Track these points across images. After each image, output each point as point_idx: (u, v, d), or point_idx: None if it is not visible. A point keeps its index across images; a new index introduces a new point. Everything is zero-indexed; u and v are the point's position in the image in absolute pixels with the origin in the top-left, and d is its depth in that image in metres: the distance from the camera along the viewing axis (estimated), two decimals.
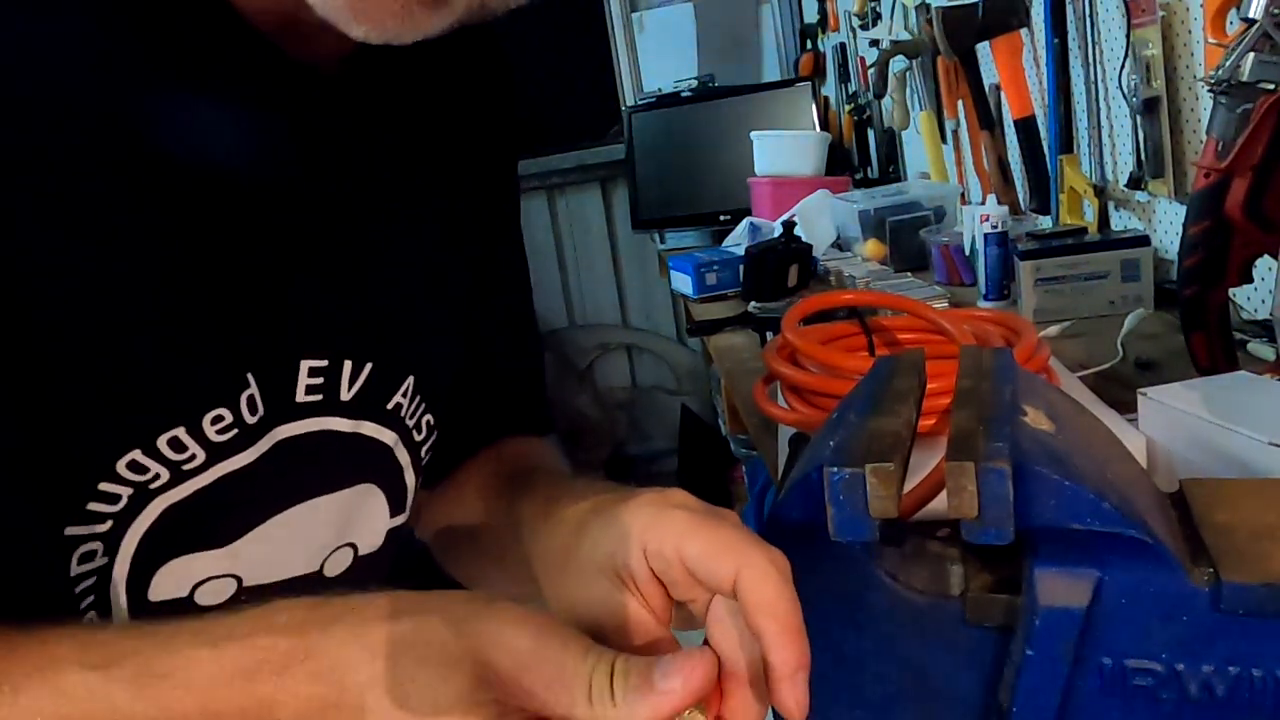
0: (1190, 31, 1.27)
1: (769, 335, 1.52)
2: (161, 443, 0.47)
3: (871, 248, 1.88)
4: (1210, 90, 0.88)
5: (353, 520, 0.58)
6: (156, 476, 0.48)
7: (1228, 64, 0.86)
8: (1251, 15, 0.84)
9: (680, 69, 3.39)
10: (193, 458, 0.49)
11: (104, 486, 0.47)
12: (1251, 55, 0.84)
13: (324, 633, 0.38)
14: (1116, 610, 0.38)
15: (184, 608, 0.51)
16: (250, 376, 0.50)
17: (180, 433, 0.48)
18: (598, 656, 0.37)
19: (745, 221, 2.21)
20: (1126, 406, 0.75)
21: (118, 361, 0.46)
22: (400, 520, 0.62)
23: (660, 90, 3.30)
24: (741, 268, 1.85)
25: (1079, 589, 0.38)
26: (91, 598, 0.49)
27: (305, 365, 0.52)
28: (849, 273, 1.74)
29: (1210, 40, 1.05)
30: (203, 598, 0.52)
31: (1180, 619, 0.38)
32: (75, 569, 0.47)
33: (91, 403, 0.45)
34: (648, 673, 0.36)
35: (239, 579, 0.53)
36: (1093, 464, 0.39)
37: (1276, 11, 0.83)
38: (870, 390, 0.45)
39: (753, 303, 1.72)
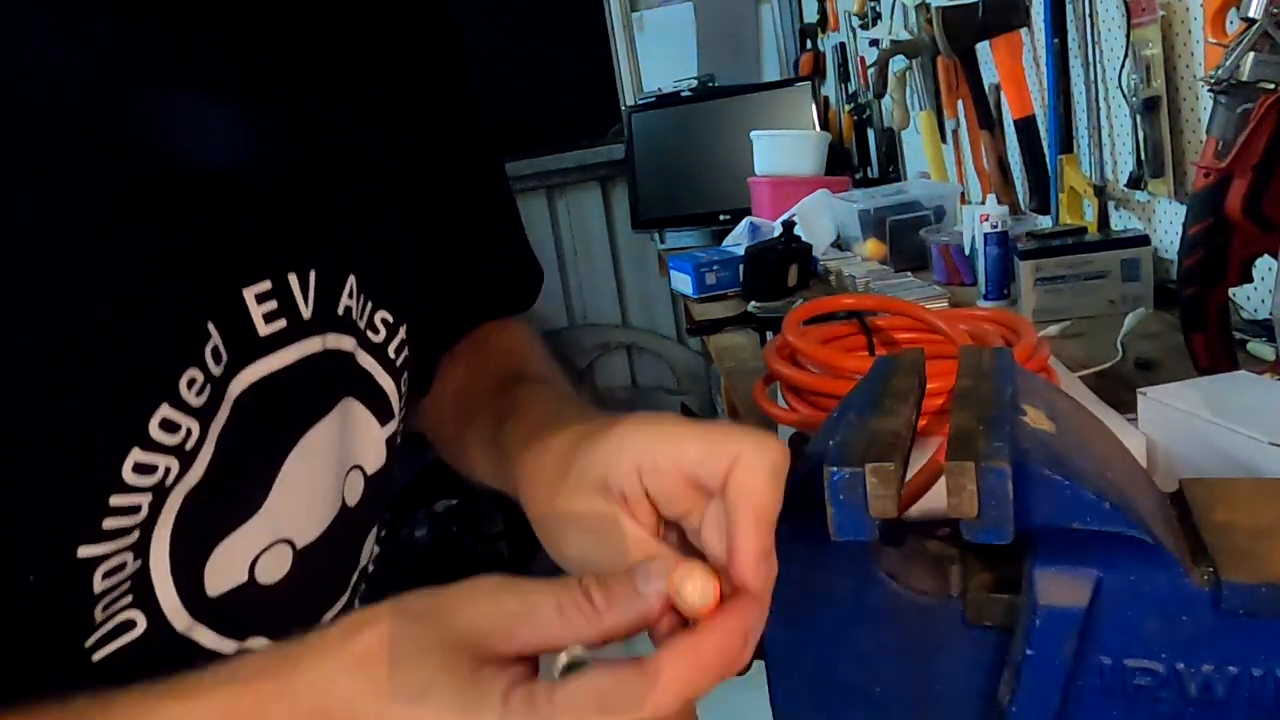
0: (1190, 31, 1.27)
1: (769, 335, 1.52)
2: (154, 429, 0.44)
3: (871, 247, 1.88)
4: (1210, 90, 0.88)
5: (349, 440, 0.55)
6: (167, 470, 0.45)
7: (1228, 63, 0.86)
8: (1251, 14, 0.84)
9: (680, 69, 3.39)
10: (188, 434, 0.45)
11: (116, 500, 0.43)
12: (1251, 55, 0.84)
13: (295, 668, 0.37)
14: (1116, 610, 0.38)
15: (250, 596, 0.50)
16: (210, 326, 0.46)
17: (166, 411, 0.44)
18: (560, 584, 0.36)
19: (745, 221, 2.22)
20: (1126, 406, 0.75)
21: (81, 362, 0.42)
22: (391, 428, 0.59)
23: (660, 90, 3.30)
24: (741, 267, 1.85)
25: (1079, 589, 0.38)
26: (127, 600, 0.46)
27: (250, 294, 0.48)
28: (849, 272, 1.74)
29: (1210, 40, 1.05)
30: (263, 575, 0.50)
31: (1180, 619, 0.38)
32: (100, 584, 0.44)
33: (66, 415, 0.42)
34: (628, 579, 0.35)
35: (290, 543, 0.52)
36: (1093, 464, 0.39)
37: (1276, 11, 0.83)
38: (870, 390, 0.45)
39: (753, 302, 1.72)
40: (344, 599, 0.58)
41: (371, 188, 0.57)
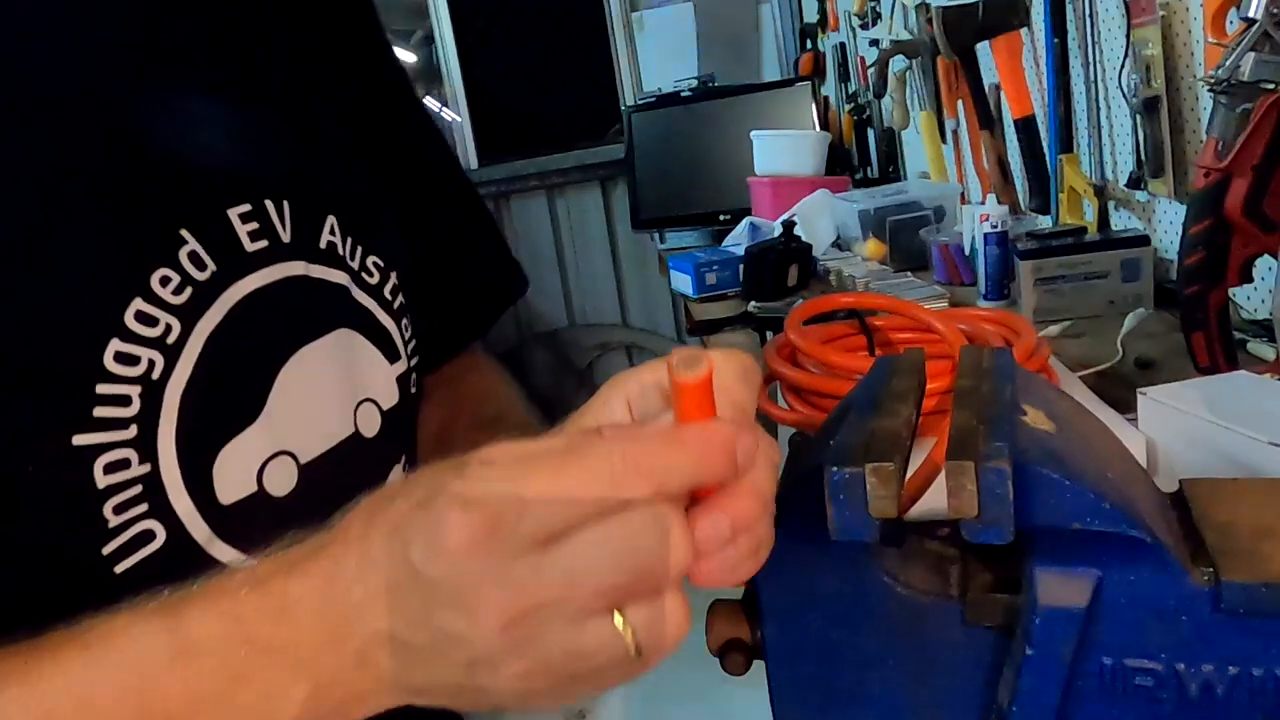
0: (1190, 31, 1.27)
1: (769, 335, 1.52)
2: (130, 320, 0.47)
3: (871, 247, 1.88)
4: (1210, 90, 0.88)
5: (354, 370, 0.58)
6: (151, 363, 0.48)
7: (1228, 63, 0.86)
8: (1251, 15, 0.84)
9: (680, 69, 3.39)
10: (168, 329, 0.48)
11: (104, 389, 0.46)
12: (1251, 55, 0.84)
13: (288, 576, 0.37)
14: (1116, 610, 0.38)
15: (263, 508, 0.51)
16: (184, 233, 0.49)
17: (140, 304, 0.47)
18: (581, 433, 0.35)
19: (745, 221, 2.22)
20: (1126, 406, 0.75)
21: (56, 252, 0.45)
22: (402, 367, 0.62)
23: (660, 90, 3.30)
24: (741, 267, 1.85)
25: (1079, 588, 0.38)
26: (142, 508, 0.48)
27: (233, 213, 0.52)
28: (849, 272, 1.74)
29: (1210, 40, 1.05)
30: (272, 485, 0.52)
31: (1180, 619, 0.38)
32: (104, 479, 0.46)
33: (44, 300, 0.45)
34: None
35: (293, 456, 0.53)
36: (1093, 463, 0.39)
37: (1276, 11, 0.83)
38: (870, 390, 0.45)
39: (752, 302, 1.72)
40: None
41: (344, 149, 0.61)
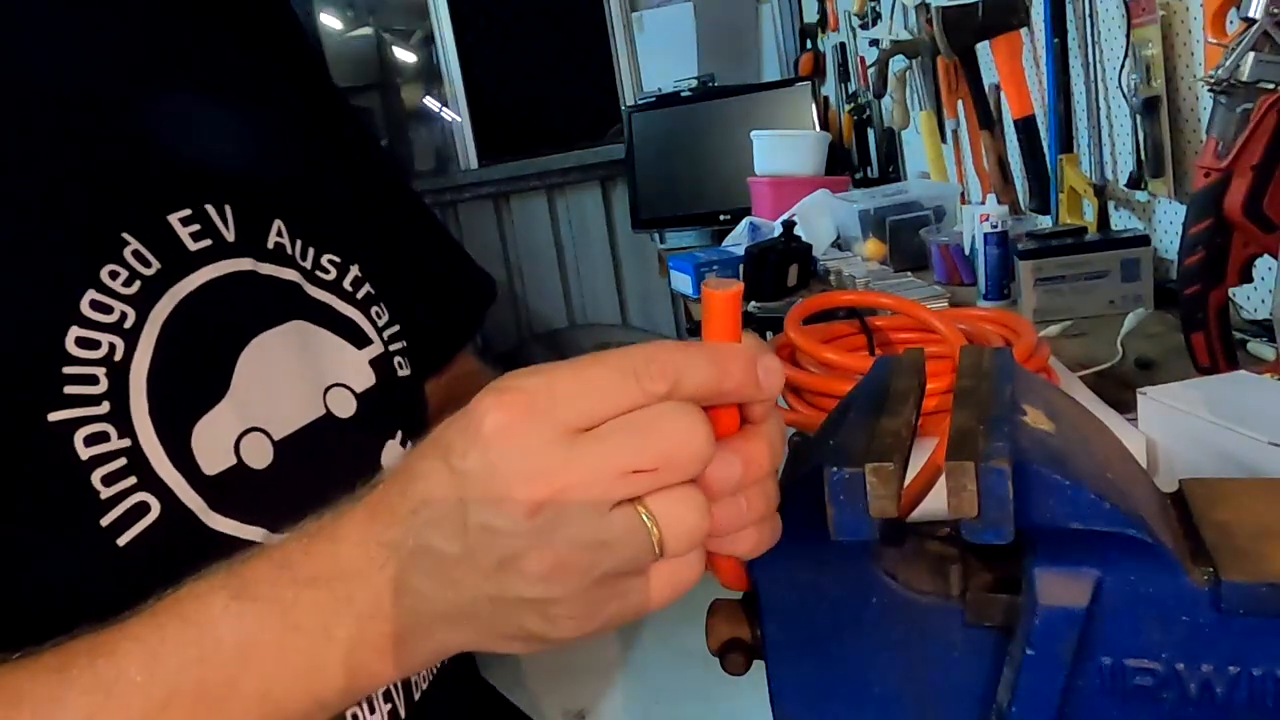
0: (1190, 31, 1.27)
1: (769, 335, 1.52)
2: (86, 308, 0.49)
3: (871, 247, 1.88)
4: (1210, 89, 0.88)
5: (315, 357, 0.60)
6: (112, 346, 0.50)
7: (1228, 63, 0.86)
8: (1251, 14, 0.84)
9: (680, 69, 3.39)
10: (124, 316, 0.51)
11: (70, 370, 0.48)
12: (1251, 55, 0.84)
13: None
14: (1116, 610, 0.38)
15: (247, 479, 0.54)
16: (125, 235, 0.52)
17: (94, 294, 0.50)
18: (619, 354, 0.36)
19: (745, 221, 2.22)
20: (1126, 406, 0.75)
21: (11, 249, 0.48)
22: (375, 351, 0.63)
23: (660, 90, 3.30)
24: (741, 267, 1.85)
25: (1079, 589, 0.38)
26: (131, 480, 0.49)
27: (174, 218, 0.54)
28: (849, 272, 1.74)
29: (1210, 39, 1.05)
30: (250, 458, 0.54)
31: (1180, 619, 0.38)
32: (85, 451, 0.48)
33: (4, 289, 0.48)
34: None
35: (266, 433, 0.55)
36: (1093, 464, 0.39)
37: (1276, 11, 0.83)
38: (870, 390, 0.45)
39: (752, 302, 1.72)
40: None
41: (292, 160, 0.64)
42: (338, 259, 0.63)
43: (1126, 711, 0.39)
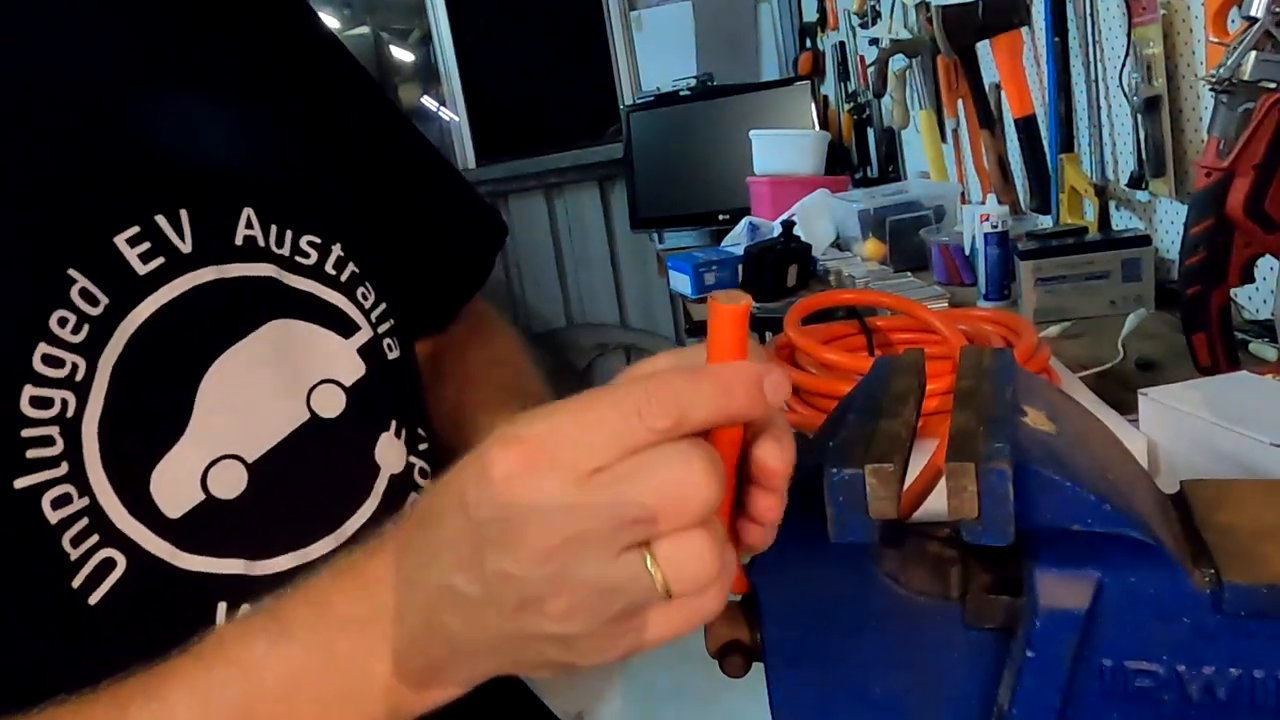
0: (1191, 30, 1.27)
1: (768, 335, 1.52)
2: (39, 364, 0.48)
3: (871, 247, 1.88)
4: (1212, 89, 0.88)
5: (297, 357, 0.58)
6: (65, 403, 0.49)
7: (1229, 62, 0.86)
8: (1253, 13, 0.84)
9: (679, 68, 3.39)
10: (75, 368, 0.49)
11: (28, 433, 0.47)
12: (1253, 54, 0.84)
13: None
14: (1117, 612, 0.38)
15: (218, 512, 0.53)
16: (72, 271, 0.50)
17: (45, 348, 0.48)
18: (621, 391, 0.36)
19: (744, 221, 2.21)
20: (1127, 406, 0.75)
21: None
22: (364, 337, 0.61)
23: (659, 89, 3.30)
24: (740, 267, 1.85)
25: (1080, 590, 0.38)
26: (95, 539, 0.49)
27: (120, 240, 0.52)
28: (848, 272, 1.74)
29: (1212, 39, 1.05)
30: (219, 490, 0.53)
31: (1181, 620, 0.38)
32: (54, 515, 0.48)
33: None
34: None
35: (239, 458, 0.54)
36: (1093, 464, 0.39)
37: (1278, 10, 0.83)
38: (870, 391, 0.45)
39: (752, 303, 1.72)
40: (371, 503, 0.60)
41: (264, 132, 0.61)
42: (318, 239, 0.60)
43: (1127, 714, 0.39)
